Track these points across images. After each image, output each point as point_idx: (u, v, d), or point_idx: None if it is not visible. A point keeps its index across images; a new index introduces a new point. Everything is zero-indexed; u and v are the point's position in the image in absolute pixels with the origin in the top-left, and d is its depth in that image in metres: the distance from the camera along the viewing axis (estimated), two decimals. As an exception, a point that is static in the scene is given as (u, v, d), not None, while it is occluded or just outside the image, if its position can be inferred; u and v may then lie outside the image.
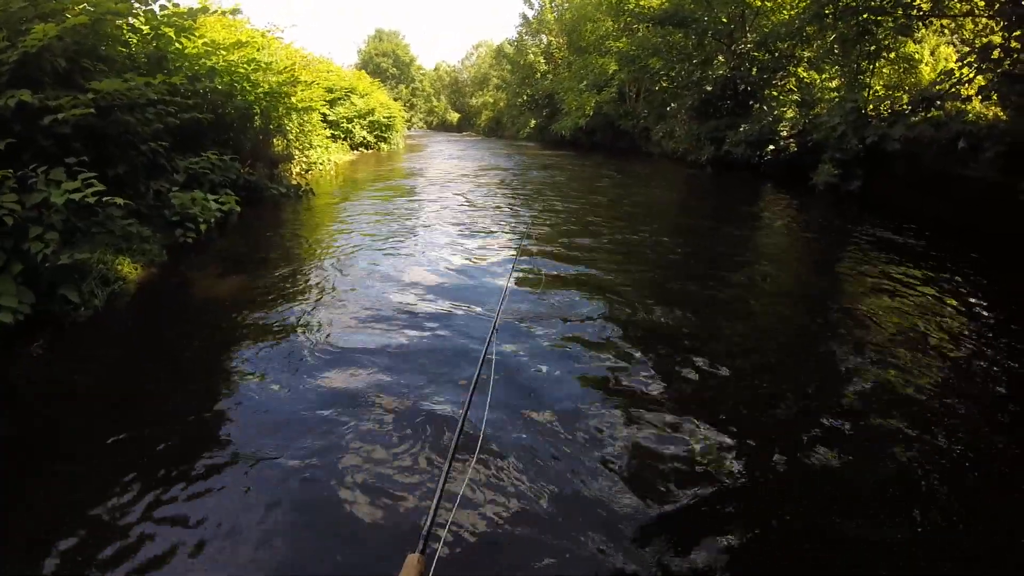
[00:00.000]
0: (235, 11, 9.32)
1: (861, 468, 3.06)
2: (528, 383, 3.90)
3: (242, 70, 10.05)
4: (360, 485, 2.84)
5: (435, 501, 0.90)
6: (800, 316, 5.61)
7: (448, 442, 3.10)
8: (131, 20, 7.32)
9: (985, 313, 5.66)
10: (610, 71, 31.80)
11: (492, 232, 8.45)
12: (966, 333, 5.06)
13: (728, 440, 3.26)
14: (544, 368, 4.11)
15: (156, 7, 7.35)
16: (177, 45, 8.33)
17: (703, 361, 4.28)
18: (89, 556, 2.40)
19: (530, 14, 52.19)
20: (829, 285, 6.70)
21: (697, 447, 3.19)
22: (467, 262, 6.93)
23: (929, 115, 11.10)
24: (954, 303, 5.82)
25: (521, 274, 6.25)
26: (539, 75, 49.92)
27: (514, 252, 7.11)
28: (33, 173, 4.50)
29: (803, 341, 4.89)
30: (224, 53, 9.57)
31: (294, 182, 12.44)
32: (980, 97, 10.34)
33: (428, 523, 0.81)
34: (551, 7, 48.67)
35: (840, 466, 3.06)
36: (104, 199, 4.77)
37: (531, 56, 51.33)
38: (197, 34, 8.97)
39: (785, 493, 2.88)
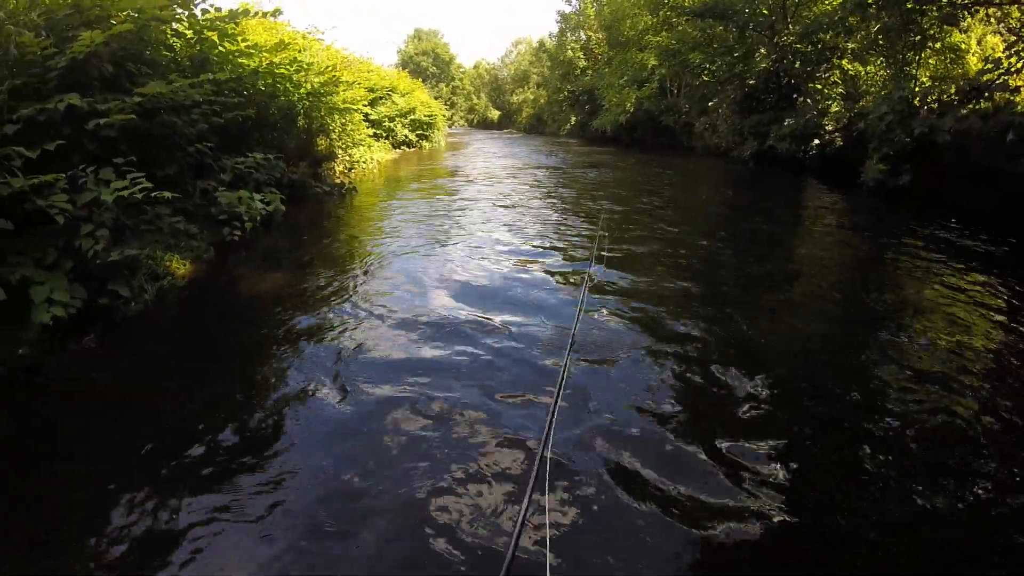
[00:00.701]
0: (276, 12, 9.48)
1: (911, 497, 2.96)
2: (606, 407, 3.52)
3: (284, 71, 10.23)
4: (409, 504, 2.72)
5: (515, 534, 0.83)
6: (860, 326, 5.41)
7: (517, 470, 2.93)
8: (175, 25, 7.50)
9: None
10: (650, 66, 31.46)
11: (544, 237, 8.21)
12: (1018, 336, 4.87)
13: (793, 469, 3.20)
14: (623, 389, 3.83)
15: (198, 11, 7.52)
16: (220, 48, 8.52)
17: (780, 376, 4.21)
18: (133, 549, 2.47)
19: (568, 10, 52.08)
20: (881, 286, 6.47)
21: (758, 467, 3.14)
22: (518, 269, 6.56)
23: (977, 106, 10.70)
24: (1009, 303, 5.59)
25: (580, 283, 5.81)
26: (579, 71, 49.69)
27: (578, 261, 6.85)
28: (83, 173, 4.65)
29: (864, 351, 4.72)
30: (267, 55, 9.75)
31: (337, 180, 12.64)
32: (1030, 87, 9.94)
33: (510, 556, 0.77)
34: (591, 2, 48.40)
35: (894, 493, 2.97)
36: (152, 195, 4.90)
37: (570, 52, 51.14)
38: (240, 37, 9.15)
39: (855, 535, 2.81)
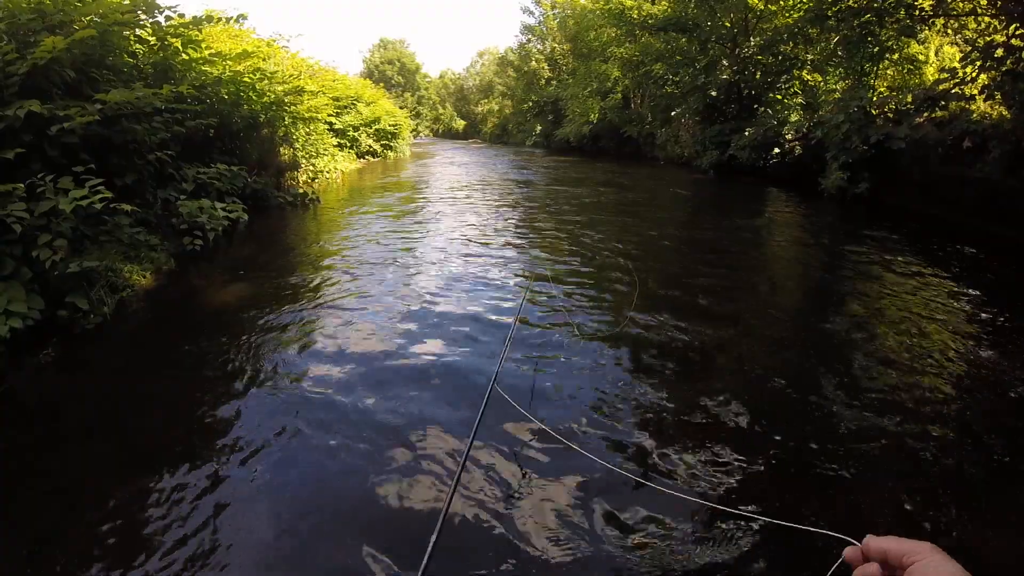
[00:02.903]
0: (242, 18, 9.38)
1: (875, 484, 3.05)
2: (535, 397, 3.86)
3: (248, 79, 10.13)
4: (365, 497, 2.84)
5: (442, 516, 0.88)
6: (810, 327, 5.56)
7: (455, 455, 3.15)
8: (138, 31, 7.40)
9: (997, 316, 5.61)
10: (613, 77, 31.89)
11: (497, 247, 8.22)
12: (976, 336, 5.05)
13: (732, 458, 3.26)
14: (553, 383, 4.09)
15: (162, 18, 7.42)
16: (184, 55, 8.41)
17: (711, 373, 4.29)
18: (92, 562, 2.43)
19: (531, 21, 52.54)
20: (838, 291, 6.64)
21: (703, 464, 3.20)
22: (476, 275, 6.65)
23: (933, 115, 11.08)
24: (964, 306, 5.81)
25: (532, 292, 5.92)
26: (543, 82, 50.13)
27: (524, 270, 6.93)
28: (41, 181, 4.55)
29: (815, 353, 4.84)
30: (230, 63, 9.65)
31: (301, 190, 12.52)
32: (984, 96, 10.32)
33: (435, 536, 0.82)
34: (553, 15, 48.87)
35: (851, 481, 3.06)
36: (112, 206, 4.82)
37: (535, 63, 51.54)
38: (203, 44, 9.05)
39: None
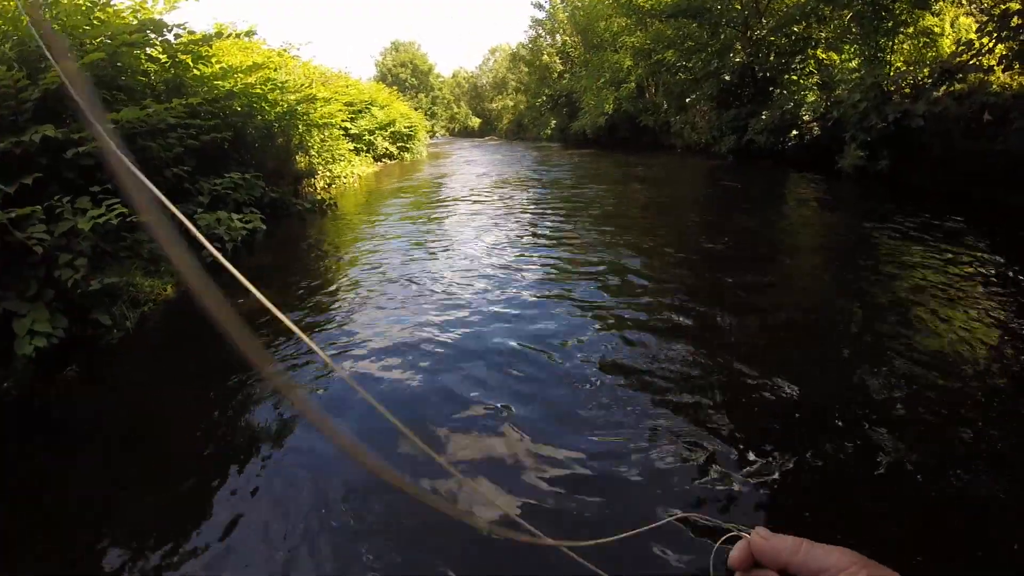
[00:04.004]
0: (250, 33, 9.52)
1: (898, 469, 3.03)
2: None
3: (259, 91, 10.26)
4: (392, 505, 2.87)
5: None
6: (833, 307, 5.51)
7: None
8: (148, 50, 7.53)
9: (1015, 291, 5.50)
10: (626, 67, 31.66)
11: (523, 254, 7.75)
12: (1003, 314, 4.96)
13: (748, 435, 3.26)
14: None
15: (171, 36, 7.54)
16: (195, 71, 8.55)
17: (728, 354, 4.28)
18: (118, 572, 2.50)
19: (540, 15, 52.34)
20: (862, 271, 6.53)
21: (721, 448, 3.20)
22: (495, 283, 6.39)
23: (951, 88, 10.86)
24: (990, 284, 5.69)
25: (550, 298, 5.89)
26: (556, 75, 49.97)
27: (544, 274, 6.78)
28: (59, 203, 4.66)
29: (841, 332, 4.80)
30: (241, 76, 9.78)
31: (318, 197, 12.64)
32: (1002, 67, 10.09)
33: None
34: (562, 7, 48.66)
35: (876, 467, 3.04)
36: (129, 220, 4.92)
37: (546, 57, 51.40)
38: (214, 59, 9.19)
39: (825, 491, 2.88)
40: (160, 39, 7.39)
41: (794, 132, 16.76)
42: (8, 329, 4.00)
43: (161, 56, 7.94)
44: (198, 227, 6.97)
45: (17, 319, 4.05)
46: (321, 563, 2.47)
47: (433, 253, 7.82)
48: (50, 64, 5.20)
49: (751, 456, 3.01)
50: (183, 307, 6.06)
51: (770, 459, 2.98)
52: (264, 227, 8.42)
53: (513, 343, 4.57)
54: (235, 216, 7.71)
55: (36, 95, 5.06)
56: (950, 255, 6.54)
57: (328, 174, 16.00)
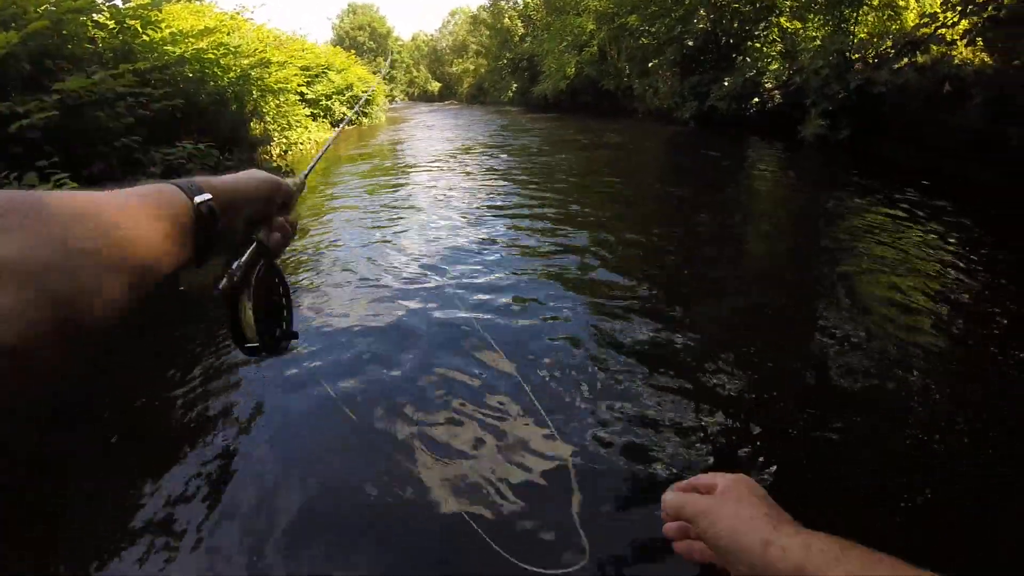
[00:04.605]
0: (201, -5, 9.20)
1: (856, 448, 3.12)
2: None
3: (211, 56, 9.93)
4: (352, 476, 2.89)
5: None
6: (791, 278, 5.61)
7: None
8: (95, 16, 7.20)
9: (976, 264, 5.63)
10: (588, 30, 31.41)
11: (483, 227, 7.52)
12: (958, 282, 5.10)
13: (703, 416, 3.31)
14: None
15: (119, 1, 7.23)
16: (144, 37, 8.21)
17: (687, 322, 4.33)
18: (89, 553, 2.47)
19: (503, -23, 51.54)
20: (819, 240, 6.64)
21: (673, 419, 3.25)
22: (456, 255, 6.28)
23: (914, 60, 11.01)
24: (944, 254, 5.83)
25: (511, 251, 6.17)
26: (518, 38, 49.39)
27: (501, 228, 7.01)
28: (5, 179, 4.48)
29: (796, 303, 4.89)
30: (192, 41, 9.44)
31: (275, 164, 12.37)
32: (965, 42, 10.25)
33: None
34: (525, -32, 47.97)
35: (836, 444, 3.12)
36: (79, 198, 4.76)
37: (508, 20, 50.71)
38: (163, 24, 8.84)
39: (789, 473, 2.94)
40: (108, 4, 7.08)
41: (756, 100, 16.86)
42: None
43: (108, 22, 7.60)
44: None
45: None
46: (318, 524, 2.47)
47: (393, 224, 7.66)
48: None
49: (713, 439, 3.07)
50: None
51: (727, 440, 3.04)
52: (220, 198, 8.22)
53: (473, 318, 4.56)
54: (190, 187, 7.50)
55: (-24, 66, 4.82)
56: (914, 229, 6.67)
57: (284, 141, 15.65)
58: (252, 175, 0.75)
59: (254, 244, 0.75)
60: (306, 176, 0.97)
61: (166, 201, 0.60)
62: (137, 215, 0.55)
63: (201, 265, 0.68)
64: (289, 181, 0.85)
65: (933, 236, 6.37)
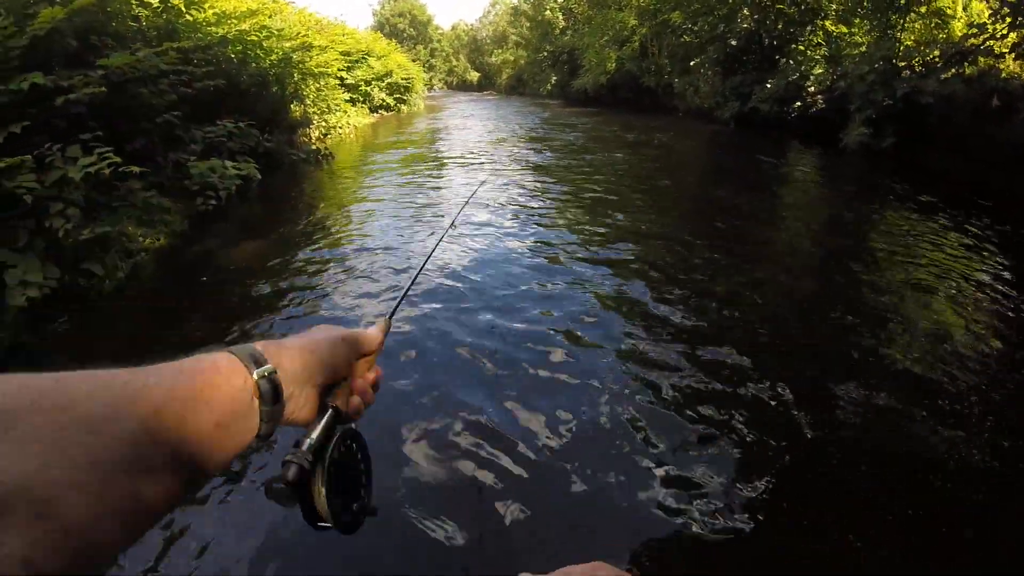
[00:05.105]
0: (246, -23, 9.30)
1: (881, 444, 3.06)
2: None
3: (254, 38, 10.04)
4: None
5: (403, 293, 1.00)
6: (823, 285, 5.51)
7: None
8: (139, -5, 7.34)
9: (1017, 277, 5.48)
10: (630, 25, 31.08)
11: (517, 222, 7.35)
12: (996, 298, 4.97)
13: (737, 409, 3.28)
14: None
15: (164, -21, 7.35)
16: (187, 17, 8.33)
17: (716, 325, 4.29)
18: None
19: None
20: (856, 248, 6.48)
21: (707, 414, 3.23)
22: (487, 252, 6.10)
23: (961, 71, 10.71)
24: (986, 269, 5.68)
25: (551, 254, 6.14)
26: (558, 31, 49.10)
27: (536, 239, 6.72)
28: (50, 152, 4.58)
29: (826, 310, 4.81)
30: (235, 22, 9.55)
31: (313, 147, 12.48)
32: (1013, 55, 9.94)
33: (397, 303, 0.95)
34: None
35: (858, 442, 3.07)
36: (122, 170, 4.86)
37: (549, 12, 50.43)
38: (207, 5, 8.96)
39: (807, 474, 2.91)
40: (153, -19, 7.20)
41: (798, 103, 16.55)
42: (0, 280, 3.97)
43: (152, 1, 7.73)
44: (191, 175, 6.93)
45: (8, 269, 4.01)
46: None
47: (426, 216, 7.67)
48: (37, 10, 5.07)
49: (751, 443, 3.04)
50: (176, 257, 6.02)
51: (766, 446, 3.01)
52: (259, 176, 8.34)
53: (500, 316, 4.56)
54: (228, 163, 7.61)
55: (24, 42, 4.92)
56: (956, 241, 6.51)
57: (323, 124, 15.79)
58: (327, 334, 0.67)
59: (328, 412, 0.64)
60: (391, 317, 0.87)
61: (223, 379, 0.52)
62: (184, 403, 0.48)
63: (265, 441, 0.57)
64: (371, 331, 0.75)
65: (975, 250, 6.22)
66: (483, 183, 5.85)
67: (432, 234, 6.59)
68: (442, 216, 7.42)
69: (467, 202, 2.21)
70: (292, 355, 0.59)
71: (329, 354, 0.64)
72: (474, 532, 2.41)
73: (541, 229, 6.87)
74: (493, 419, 3.13)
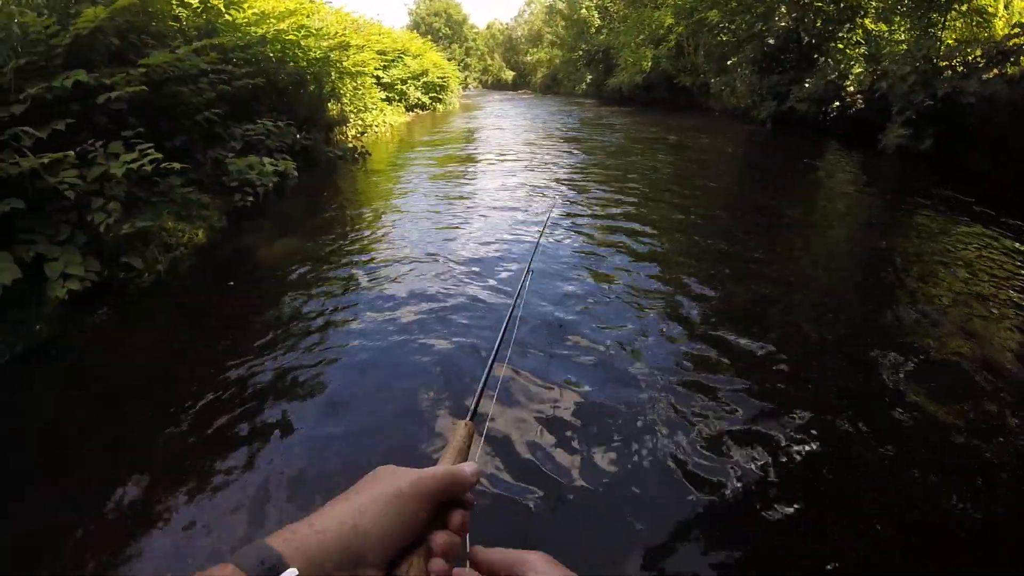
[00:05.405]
0: (284, -22, 9.41)
1: (915, 456, 2.97)
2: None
3: (292, 37, 10.15)
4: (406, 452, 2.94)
5: (482, 379, 0.87)
6: (862, 294, 5.34)
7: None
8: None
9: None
10: (667, 24, 30.77)
11: (555, 225, 7.06)
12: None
13: (774, 424, 3.20)
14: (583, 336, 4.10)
15: (204, -20, 7.46)
16: (227, 17, 8.46)
17: (752, 333, 4.20)
18: (149, 509, 2.55)
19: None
20: (895, 252, 6.29)
21: (741, 420, 3.16)
22: (520, 257, 5.88)
23: (1004, 71, 10.36)
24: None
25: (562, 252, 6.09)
26: (594, 30, 48.86)
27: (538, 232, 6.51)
28: (92, 148, 4.67)
29: (865, 320, 4.66)
30: (274, 22, 9.66)
31: (350, 145, 12.59)
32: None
33: (477, 397, 0.81)
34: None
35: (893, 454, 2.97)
36: (162, 166, 4.94)
37: (584, 11, 50.21)
38: (246, 5, 9.08)
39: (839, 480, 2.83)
40: (193, -18, 7.31)
41: (837, 103, 16.19)
42: (40, 272, 4.05)
43: (193, 1, 7.85)
44: (230, 172, 7.02)
45: (49, 262, 4.10)
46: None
47: (462, 215, 7.58)
48: (80, 9, 5.17)
49: (773, 441, 2.97)
50: (214, 252, 6.11)
51: (767, 448, 2.94)
52: (295, 174, 8.43)
53: (536, 316, 4.52)
54: (266, 160, 7.71)
55: (67, 40, 5.02)
56: (997, 245, 6.29)
57: (360, 123, 15.94)
58: (386, 488, 0.55)
59: None
60: (472, 417, 0.75)
61: None
62: None
63: None
64: (453, 470, 0.60)
65: (1014, 252, 6.00)
66: (548, 217, 5.74)
67: (467, 239, 6.56)
68: (474, 218, 7.35)
69: (536, 247, 2.12)
70: (326, 541, 0.48)
71: (387, 522, 0.52)
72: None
73: (613, 258, 6.57)
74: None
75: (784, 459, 2.83)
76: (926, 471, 2.77)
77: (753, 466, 2.78)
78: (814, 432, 3.03)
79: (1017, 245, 6.24)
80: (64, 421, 3.30)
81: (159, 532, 2.47)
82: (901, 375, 3.58)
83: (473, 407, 0.80)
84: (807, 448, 2.91)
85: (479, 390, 0.83)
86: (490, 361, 0.94)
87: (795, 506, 2.55)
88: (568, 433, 3.01)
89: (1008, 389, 3.45)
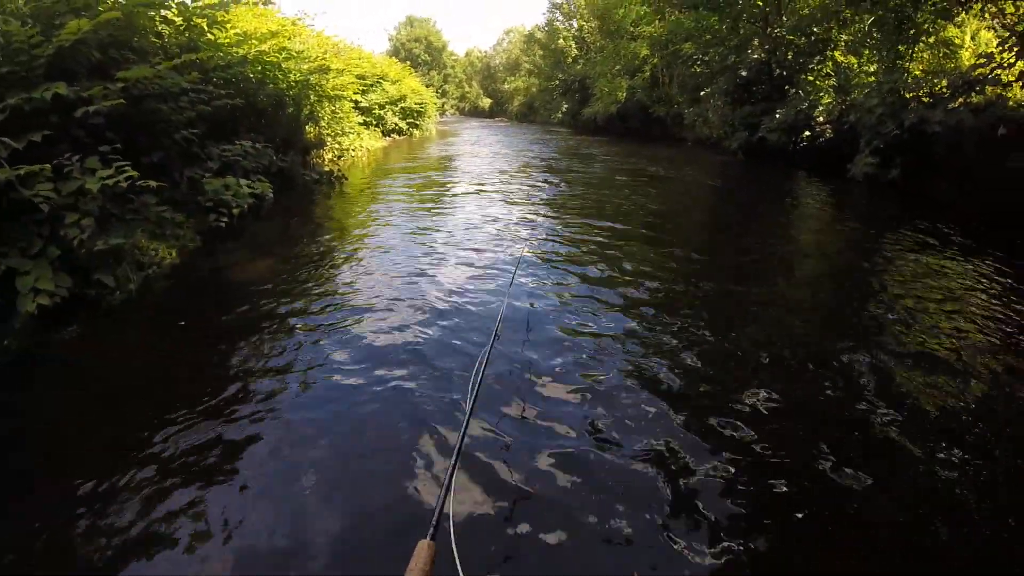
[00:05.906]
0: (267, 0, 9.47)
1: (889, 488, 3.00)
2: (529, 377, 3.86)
3: (273, 59, 10.19)
4: (373, 474, 2.90)
5: (443, 490, 0.84)
6: (832, 320, 5.44)
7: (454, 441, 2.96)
8: (164, 12, 7.45)
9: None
10: (642, 56, 31.41)
11: (528, 253, 6.92)
12: (1007, 331, 4.91)
13: (747, 452, 3.24)
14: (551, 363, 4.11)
15: (188, -1, 7.49)
16: (209, 36, 8.47)
17: (725, 362, 4.26)
18: (113, 536, 2.50)
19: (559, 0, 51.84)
20: (865, 279, 6.42)
21: (716, 455, 3.19)
22: (497, 284, 5.72)
23: (969, 100, 10.73)
24: (996, 302, 5.60)
25: (532, 280, 5.88)
26: (571, 60, 49.64)
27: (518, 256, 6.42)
28: (68, 162, 4.63)
29: (835, 347, 4.74)
30: (255, 43, 9.70)
31: (326, 168, 12.61)
32: (1021, 84, 9.96)
33: (438, 511, 0.76)
34: (583, -8, 48.23)
35: (865, 487, 3.01)
36: (138, 184, 4.91)
37: (562, 41, 51.03)
38: (228, 25, 9.11)
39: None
40: (177, 1, 7.32)
41: (807, 133, 16.59)
42: (11, 286, 3.98)
43: (176, 19, 7.87)
44: (205, 192, 6.98)
45: (20, 276, 4.04)
46: (327, 504, 2.48)
47: (436, 242, 7.42)
48: (64, 21, 5.16)
49: (751, 469, 3.00)
50: (186, 272, 6.05)
51: (768, 449, 2.96)
52: (271, 195, 8.41)
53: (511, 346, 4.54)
54: (243, 182, 7.69)
55: (50, 51, 5.00)
56: (964, 272, 6.43)
57: (337, 146, 15.97)
58: None
59: None
60: (432, 537, 0.77)
61: None
62: None
63: None
64: None
65: (983, 279, 6.15)
66: (519, 263, 5.61)
67: (438, 262, 6.56)
68: (447, 254, 6.97)
69: (500, 320, 2.09)
70: None
71: None
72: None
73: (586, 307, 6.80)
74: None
75: (773, 476, 2.86)
76: (925, 473, 2.81)
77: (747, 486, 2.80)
78: (804, 452, 3.06)
79: (996, 276, 6.36)
80: (64, 421, 3.27)
81: (159, 532, 2.45)
82: (875, 383, 3.65)
83: (435, 522, 0.76)
84: (796, 466, 2.94)
85: (438, 505, 0.79)
86: (452, 463, 0.91)
87: (794, 515, 2.57)
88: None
89: (997, 397, 3.54)
